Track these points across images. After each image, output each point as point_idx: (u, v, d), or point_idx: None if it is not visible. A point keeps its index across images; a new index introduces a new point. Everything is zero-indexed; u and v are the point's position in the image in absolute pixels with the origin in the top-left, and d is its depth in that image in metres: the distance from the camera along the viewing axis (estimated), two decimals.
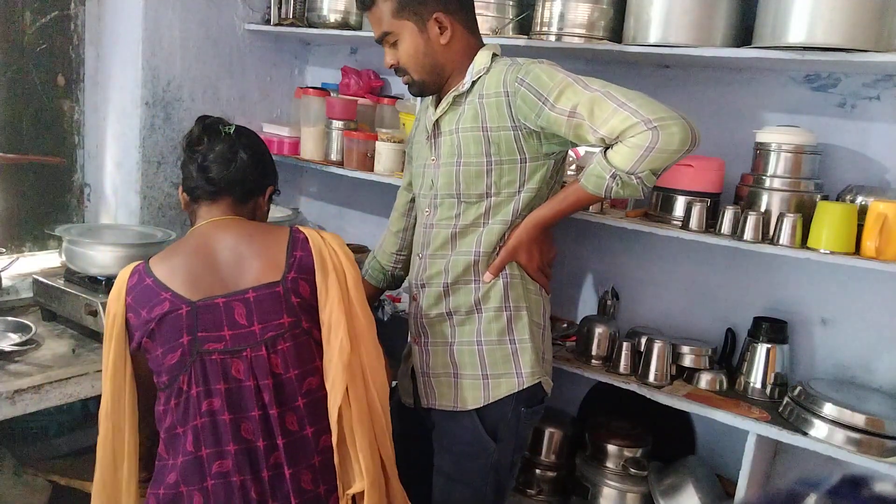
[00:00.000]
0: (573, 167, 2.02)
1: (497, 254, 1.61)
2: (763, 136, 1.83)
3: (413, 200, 1.87)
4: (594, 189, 1.50)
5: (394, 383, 2.36)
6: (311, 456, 1.37)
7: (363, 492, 1.36)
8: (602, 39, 1.94)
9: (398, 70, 1.66)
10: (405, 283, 1.94)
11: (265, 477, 1.33)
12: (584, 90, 1.46)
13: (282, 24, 2.55)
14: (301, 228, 1.48)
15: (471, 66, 1.61)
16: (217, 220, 1.48)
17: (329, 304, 1.39)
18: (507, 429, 1.61)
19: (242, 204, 1.53)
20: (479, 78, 1.59)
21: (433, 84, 1.65)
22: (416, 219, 1.86)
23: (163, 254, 1.46)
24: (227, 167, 1.49)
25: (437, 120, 1.65)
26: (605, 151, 1.48)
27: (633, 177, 1.44)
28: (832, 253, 1.65)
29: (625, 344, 1.97)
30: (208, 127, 1.53)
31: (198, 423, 1.33)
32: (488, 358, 1.60)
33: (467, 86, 1.60)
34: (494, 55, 1.62)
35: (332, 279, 1.40)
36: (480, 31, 1.69)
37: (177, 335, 1.35)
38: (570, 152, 1.92)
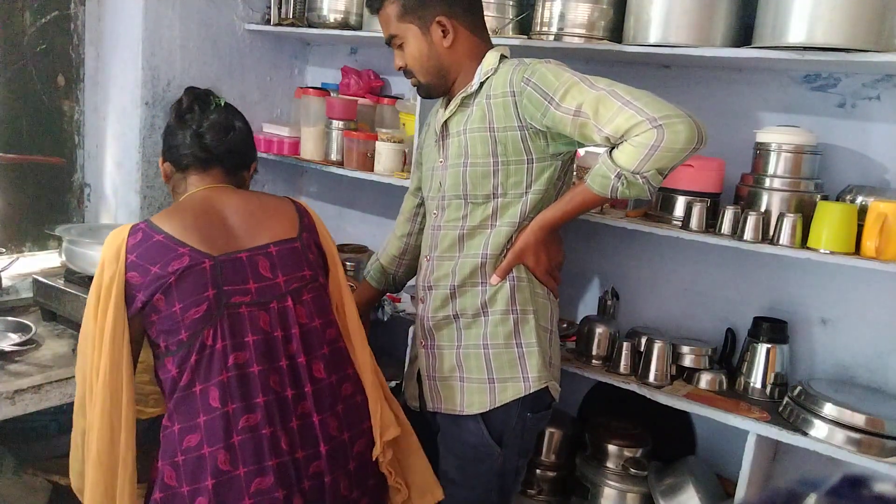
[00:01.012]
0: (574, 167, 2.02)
1: (504, 256, 1.60)
2: (763, 136, 1.83)
3: (419, 206, 1.88)
4: (600, 189, 1.48)
5: (393, 383, 2.37)
6: (336, 403, 1.41)
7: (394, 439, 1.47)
8: (602, 39, 1.93)
9: (406, 72, 1.67)
10: (410, 284, 1.93)
11: (294, 426, 1.34)
12: (589, 89, 1.45)
13: (282, 24, 2.55)
14: (297, 201, 1.56)
15: (479, 67, 1.61)
16: (214, 186, 1.49)
17: (335, 266, 1.52)
18: (513, 434, 1.60)
19: (232, 175, 1.54)
20: (487, 79, 1.59)
21: (439, 86, 1.66)
22: (421, 224, 1.85)
23: (165, 213, 1.43)
24: (224, 135, 1.50)
25: (445, 121, 1.65)
26: (610, 151, 1.46)
27: (638, 176, 1.42)
28: (832, 253, 1.65)
29: (625, 344, 1.97)
30: (199, 97, 1.54)
31: (224, 378, 1.31)
32: (494, 362, 1.59)
33: (475, 87, 1.60)
34: (503, 56, 1.62)
35: (332, 244, 1.54)
36: None
37: (201, 289, 1.33)
38: None
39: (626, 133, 1.41)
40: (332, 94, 2.59)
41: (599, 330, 2.03)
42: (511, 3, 2.10)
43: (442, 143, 1.67)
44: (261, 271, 1.39)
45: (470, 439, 1.62)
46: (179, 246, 1.35)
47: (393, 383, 2.37)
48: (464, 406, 1.61)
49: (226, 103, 1.56)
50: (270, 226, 1.44)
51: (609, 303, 2.19)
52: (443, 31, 1.59)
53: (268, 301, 1.37)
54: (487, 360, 1.60)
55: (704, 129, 1.43)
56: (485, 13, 2.02)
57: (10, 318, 1.93)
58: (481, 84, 1.60)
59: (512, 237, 1.59)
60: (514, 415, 1.59)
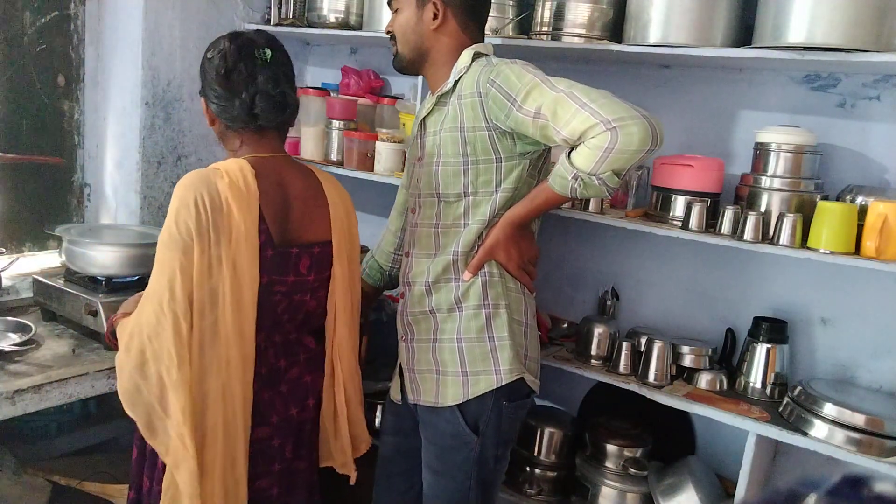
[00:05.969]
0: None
1: (476, 253, 1.62)
2: (763, 136, 1.83)
3: None
4: (560, 190, 1.51)
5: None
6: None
7: None
8: (602, 39, 1.94)
9: (391, 37, 1.72)
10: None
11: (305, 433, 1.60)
12: (549, 91, 1.47)
13: (282, 24, 2.55)
14: (333, 184, 1.61)
15: (455, 65, 1.63)
16: (279, 157, 1.53)
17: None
18: (489, 422, 1.62)
19: (284, 134, 1.59)
20: (461, 77, 1.61)
21: (412, 63, 1.70)
22: None
23: (259, 176, 1.46)
24: (279, 112, 1.50)
25: (423, 119, 1.67)
26: (569, 152, 1.49)
27: (594, 178, 1.44)
28: (832, 253, 1.65)
29: (625, 344, 1.97)
30: (244, 53, 1.47)
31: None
32: (468, 355, 1.62)
33: (450, 85, 1.62)
34: (478, 54, 1.63)
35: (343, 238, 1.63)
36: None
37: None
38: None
39: (582, 135, 1.43)
40: (331, 94, 2.59)
41: (599, 330, 2.03)
42: (511, 3, 2.10)
43: (420, 141, 1.70)
44: (300, 268, 1.51)
45: (447, 428, 1.64)
46: (261, 222, 1.43)
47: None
48: (439, 398, 1.64)
49: (272, 56, 1.49)
50: (317, 221, 1.55)
51: (609, 303, 2.19)
52: (434, 14, 1.62)
53: (294, 294, 1.51)
54: (461, 353, 1.62)
55: (660, 130, 1.43)
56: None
57: (10, 318, 1.93)
58: (455, 83, 1.62)
59: (482, 234, 1.62)
60: (489, 404, 1.61)
